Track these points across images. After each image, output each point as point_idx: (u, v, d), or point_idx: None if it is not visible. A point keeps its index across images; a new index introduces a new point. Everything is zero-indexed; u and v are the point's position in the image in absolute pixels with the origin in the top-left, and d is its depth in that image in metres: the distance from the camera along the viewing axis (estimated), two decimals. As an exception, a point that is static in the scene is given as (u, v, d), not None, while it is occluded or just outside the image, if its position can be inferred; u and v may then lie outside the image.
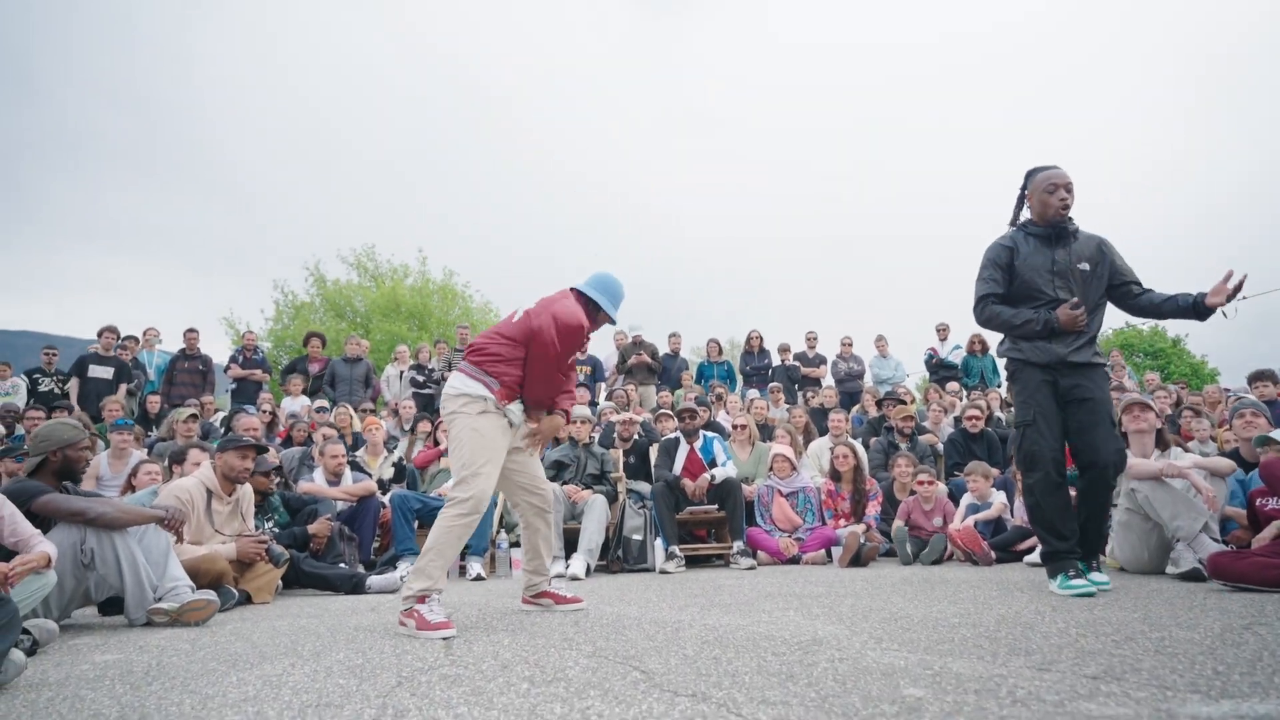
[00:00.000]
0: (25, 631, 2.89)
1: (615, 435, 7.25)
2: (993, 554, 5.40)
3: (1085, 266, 3.78)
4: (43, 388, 9.49)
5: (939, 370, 10.97)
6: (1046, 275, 3.79)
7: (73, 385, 9.20)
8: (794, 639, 2.62)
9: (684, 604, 3.75)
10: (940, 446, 7.75)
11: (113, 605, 3.81)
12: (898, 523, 6.18)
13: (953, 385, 10.07)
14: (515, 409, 3.41)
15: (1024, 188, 3.93)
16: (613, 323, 3.71)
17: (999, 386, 10.48)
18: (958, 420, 8.17)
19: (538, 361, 3.38)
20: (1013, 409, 4.08)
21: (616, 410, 8.30)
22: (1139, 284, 3.86)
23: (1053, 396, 3.71)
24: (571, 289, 3.62)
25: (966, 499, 6.13)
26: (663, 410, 8.36)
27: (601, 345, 12.20)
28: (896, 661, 2.20)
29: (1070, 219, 3.84)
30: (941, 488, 6.67)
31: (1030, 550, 5.30)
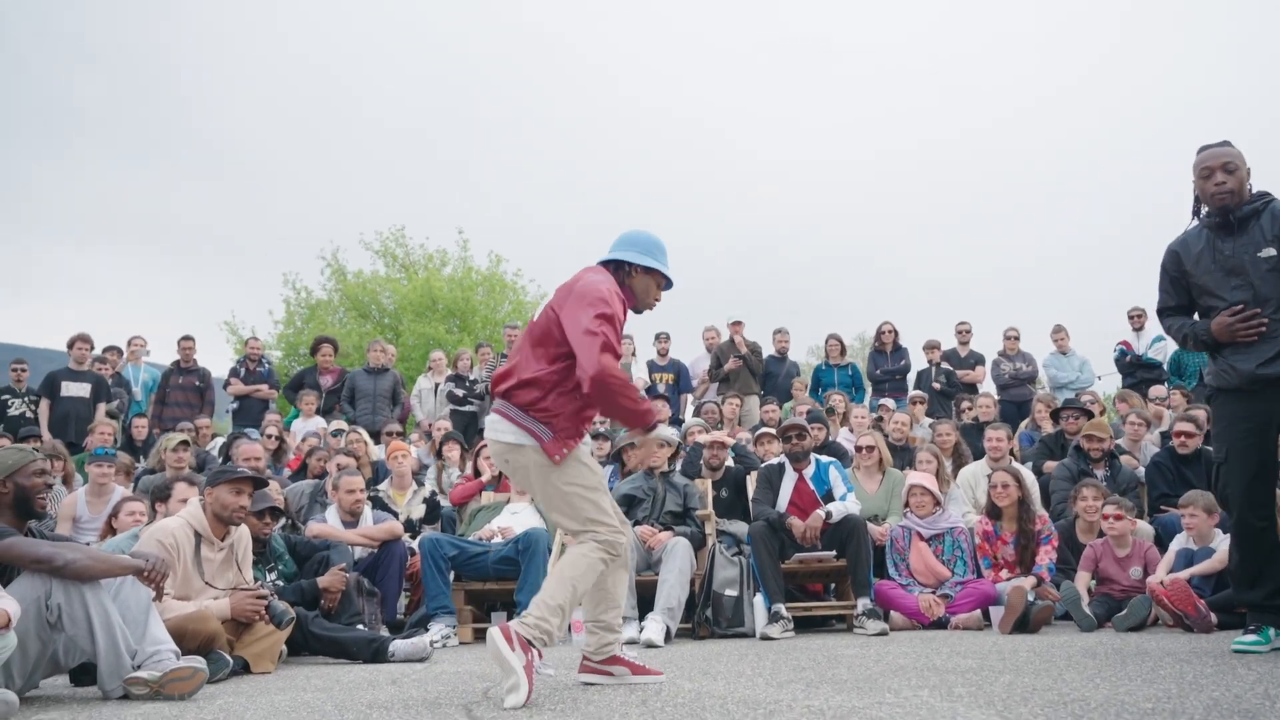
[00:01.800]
0: (-21, 704, 3.09)
1: (702, 462, 7.25)
2: (1213, 616, 5.15)
3: (1270, 253, 3.90)
4: (12, 410, 10.11)
5: (1135, 370, 10.58)
6: (1219, 275, 4.01)
7: (43, 407, 9.76)
8: (924, 727, 2.57)
9: (786, 679, 3.73)
10: (1142, 472, 7.46)
11: (87, 673, 4.03)
12: (1082, 574, 5.98)
13: (1157, 390, 9.68)
14: (584, 447, 3.57)
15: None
16: (668, 282, 3.74)
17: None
18: (1165, 437, 7.84)
19: (586, 359, 3.30)
20: None
21: (706, 429, 8.30)
22: None
23: (1254, 429, 3.96)
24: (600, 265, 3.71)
25: (1178, 542, 5.88)
26: (764, 429, 8.31)
27: (688, 347, 12.20)
28: (1058, 758, 2.13)
29: (1256, 198, 3.99)
30: (1145, 528, 6.42)
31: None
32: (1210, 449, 7.31)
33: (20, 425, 9.57)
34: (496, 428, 3.49)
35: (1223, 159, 4.00)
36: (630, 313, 3.68)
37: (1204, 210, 4.14)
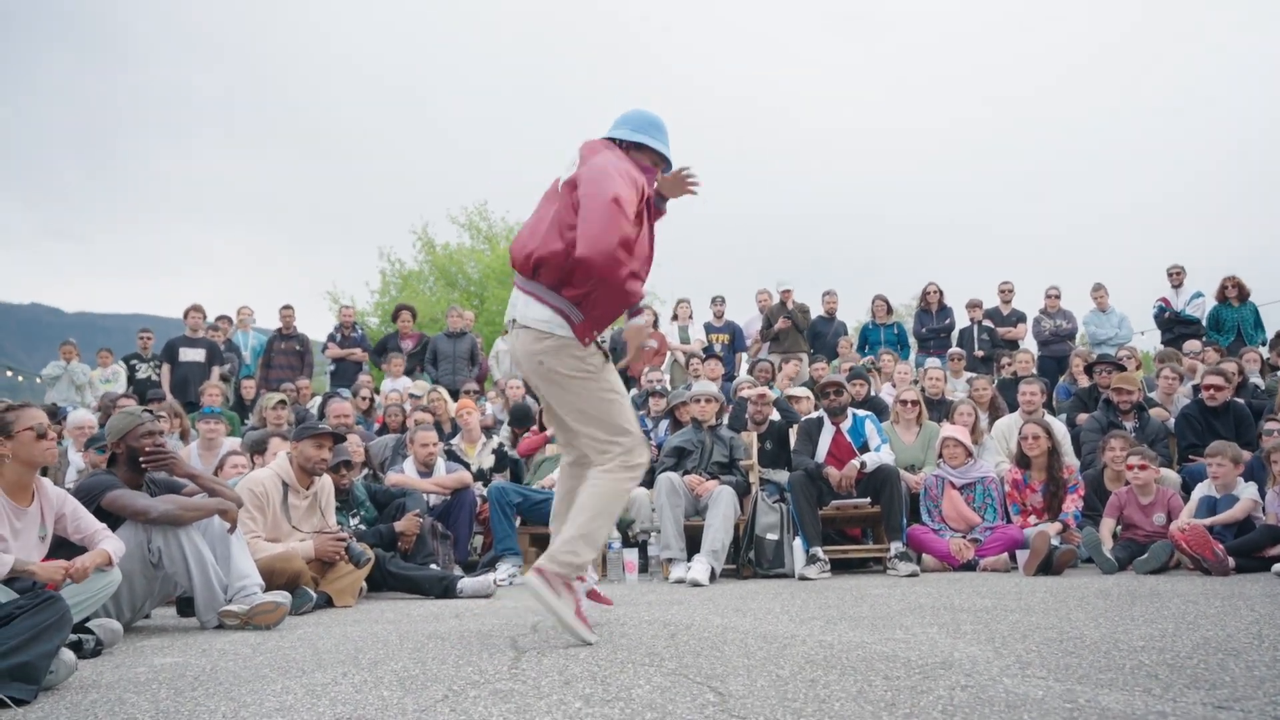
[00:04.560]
0: (89, 631, 3.28)
1: (748, 416, 7.23)
2: (1230, 561, 4.98)
3: None
4: (140, 374, 10.60)
5: (1174, 326, 10.18)
6: None
7: (164, 371, 10.18)
8: (919, 661, 2.56)
9: (810, 616, 3.73)
10: (1172, 423, 7.22)
11: (190, 604, 4.24)
12: (1107, 520, 5.84)
13: (1192, 344, 9.31)
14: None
15: None
16: (667, 164, 3.33)
17: (1261, 344, 9.59)
18: (1197, 390, 7.56)
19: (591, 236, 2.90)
20: None
21: (754, 385, 8.26)
22: None
23: None
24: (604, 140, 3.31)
25: (1201, 490, 5.69)
26: (795, 389, 8.25)
27: (742, 308, 12.14)
28: (1034, 692, 2.10)
29: None
30: (1170, 476, 6.22)
31: (1283, 557, 4.86)
32: (1241, 402, 7.09)
33: (147, 387, 9.98)
34: (527, 309, 3.12)
35: None
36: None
37: None
